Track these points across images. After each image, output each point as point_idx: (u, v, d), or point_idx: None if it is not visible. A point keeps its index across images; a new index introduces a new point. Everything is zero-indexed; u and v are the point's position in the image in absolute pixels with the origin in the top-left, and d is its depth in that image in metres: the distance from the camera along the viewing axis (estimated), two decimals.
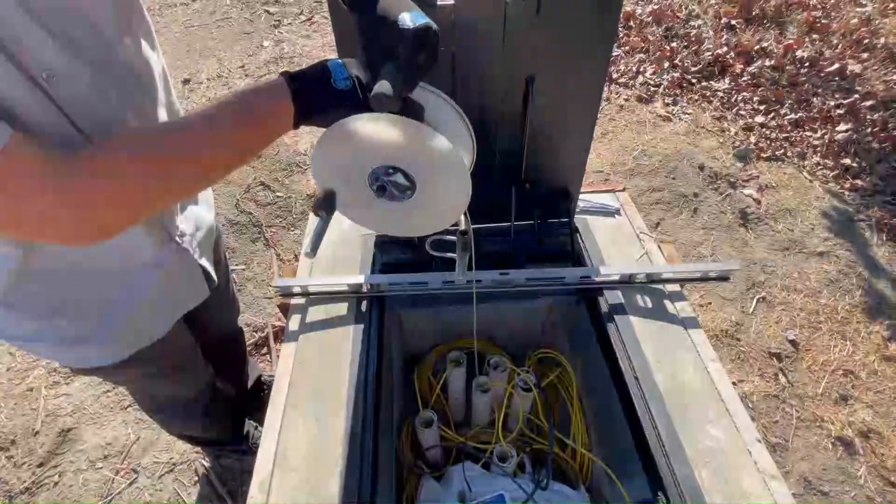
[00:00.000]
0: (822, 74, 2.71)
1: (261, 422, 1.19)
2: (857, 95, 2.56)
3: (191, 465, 1.49)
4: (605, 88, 2.85)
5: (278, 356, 1.00)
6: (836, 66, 2.71)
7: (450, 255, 0.88)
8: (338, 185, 0.71)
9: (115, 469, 1.49)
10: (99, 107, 0.59)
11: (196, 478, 1.47)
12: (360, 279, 1.07)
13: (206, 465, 1.48)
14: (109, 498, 1.44)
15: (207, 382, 1.14)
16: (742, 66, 2.84)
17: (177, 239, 0.81)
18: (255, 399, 1.52)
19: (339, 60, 0.58)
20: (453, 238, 0.88)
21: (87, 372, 0.87)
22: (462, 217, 0.82)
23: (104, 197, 0.51)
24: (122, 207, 0.53)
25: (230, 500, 1.41)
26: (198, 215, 0.90)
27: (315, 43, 3.26)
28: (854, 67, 2.69)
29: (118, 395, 1.65)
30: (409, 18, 0.53)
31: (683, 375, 0.93)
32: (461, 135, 0.69)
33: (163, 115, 0.73)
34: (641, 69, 2.95)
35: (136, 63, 0.67)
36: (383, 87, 0.52)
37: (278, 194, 2.33)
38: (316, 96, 0.57)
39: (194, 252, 0.88)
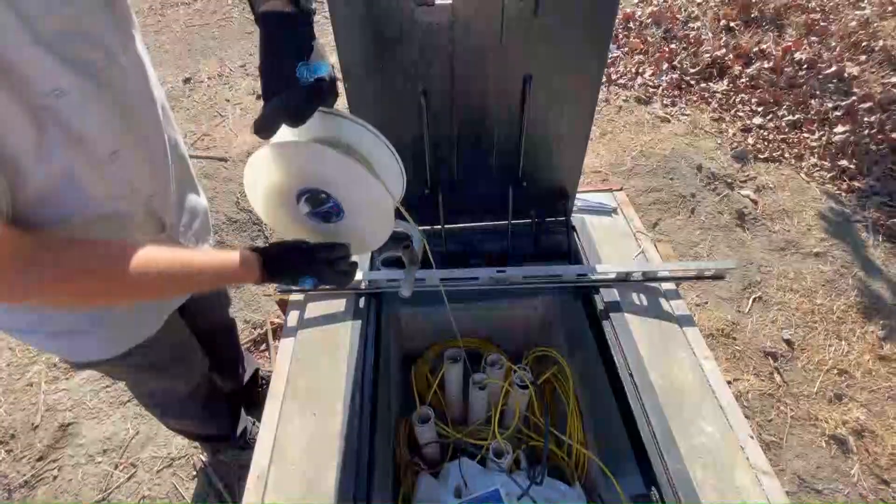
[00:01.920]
0: (821, 77, 2.72)
1: (258, 417, 1.20)
2: (854, 98, 2.57)
3: (189, 459, 1.50)
4: (605, 89, 2.86)
5: (277, 353, 1.01)
6: (835, 68, 2.72)
7: (400, 271, 0.93)
8: (275, 208, 0.76)
9: (114, 463, 1.50)
10: (105, 120, 0.62)
11: (194, 473, 1.48)
12: (358, 275, 1.08)
13: (204, 460, 1.49)
14: (108, 492, 1.45)
15: (204, 376, 1.15)
16: (741, 68, 2.85)
17: (168, 230, 0.82)
18: (252, 393, 1.53)
19: (311, 279, 0.71)
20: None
21: (85, 366, 0.88)
22: (412, 230, 0.84)
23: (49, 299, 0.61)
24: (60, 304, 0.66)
25: (227, 495, 1.42)
26: (193, 205, 0.91)
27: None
28: (852, 70, 2.70)
29: (117, 391, 1.66)
30: (306, 70, 0.58)
31: (678, 373, 0.94)
32: (387, 163, 0.71)
33: (158, 118, 0.76)
34: (640, 70, 2.96)
35: (136, 74, 0.69)
36: (263, 119, 0.59)
37: None
38: (285, 280, 0.73)
39: (188, 242, 0.90)
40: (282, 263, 0.69)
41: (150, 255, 0.61)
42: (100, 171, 0.63)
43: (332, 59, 0.66)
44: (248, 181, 0.73)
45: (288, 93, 0.58)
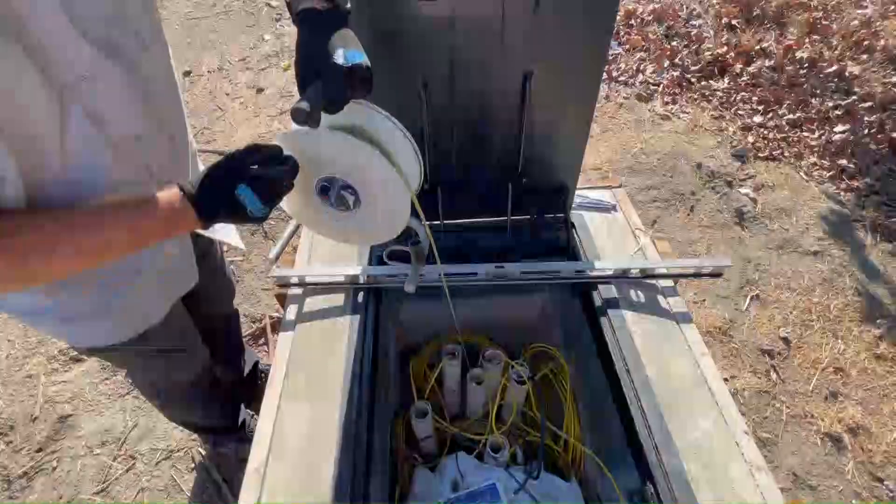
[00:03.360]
0: (822, 76, 2.72)
1: (257, 410, 1.21)
2: (855, 97, 2.57)
3: (188, 452, 1.51)
4: (606, 86, 2.86)
5: (275, 347, 1.01)
6: (836, 67, 2.71)
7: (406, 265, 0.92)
8: (294, 194, 0.73)
9: (113, 455, 1.51)
10: (130, 105, 0.63)
11: (193, 465, 1.49)
12: (357, 270, 1.08)
13: (203, 452, 1.50)
14: (107, 484, 1.46)
15: (206, 366, 1.15)
16: (742, 66, 2.85)
17: None
18: (252, 385, 1.53)
19: (247, 188, 0.58)
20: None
21: (90, 352, 0.89)
22: (419, 227, 0.84)
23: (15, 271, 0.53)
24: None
25: (226, 487, 1.42)
26: None
27: None
28: (853, 69, 2.70)
29: (116, 383, 1.66)
30: (343, 56, 0.58)
31: (675, 369, 0.95)
32: (404, 152, 0.69)
33: (181, 104, 0.77)
34: (641, 68, 2.96)
35: (164, 61, 0.70)
36: (302, 104, 0.56)
37: None
38: (230, 220, 0.63)
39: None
40: (207, 182, 0.60)
41: (64, 223, 0.55)
42: (121, 155, 0.63)
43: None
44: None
45: (325, 78, 0.58)
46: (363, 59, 0.60)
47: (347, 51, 0.59)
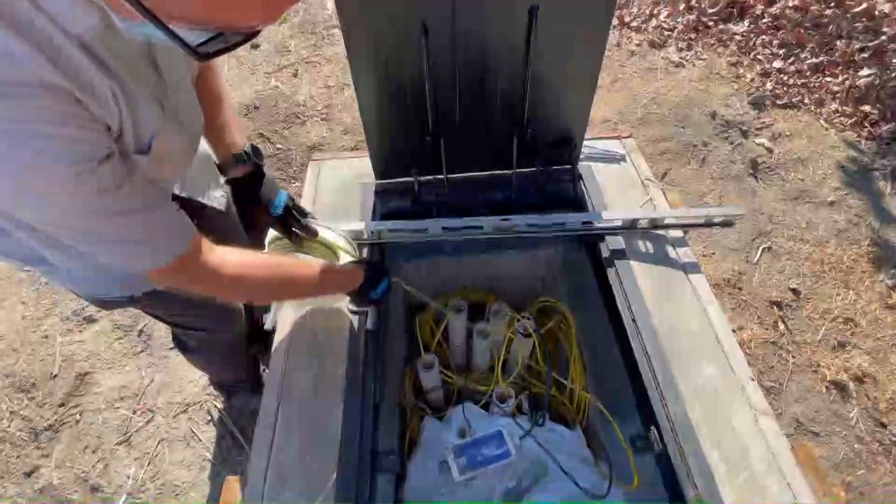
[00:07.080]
0: (849, 15, 2.55)
1: (268, 363, 1.23)
2: (884, 37, 2.42)
3: (203, 405, 1.56)
4: (617, 32, 2.72)
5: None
6: (865, 5, 2.54)
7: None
8: None
9: (133, 409, 1.57)
10: (192, 105, 0.74)
11: (209, 417, 1.54)
12: (361, 226, 1.06)
13: (219, 406, 1.55)
14: (128, 435, 1.52)
15: (244, 328, 1.21)
16: (763, 7, 2.68)
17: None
18: (267, 338, 1.56)
19: (386, 281, 0.95)
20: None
21: (116, 305, 0.92)
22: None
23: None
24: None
25: (241, 437, 1.48)
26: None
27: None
28: (884, 7, 2.53)
29: (130, 342, 1.70)
30: (275, 205, 0.89)
31: (682, 317, 0.94)
32: (341, 240, 0.99)
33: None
34: (655, 12, 2.80)
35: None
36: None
37: (278, 146, 2.29)
38: (359, 296, 0.92)
39: (196, 189, 0.92)
40: (377, 273, 0.91)
41: (296, 271, 0.81)
42: (183, 153, 0.75)
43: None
44: None
45: (272, 225, 0.92)
46: (285, 199, 0.89)
47: (274, 199, 0.88)
